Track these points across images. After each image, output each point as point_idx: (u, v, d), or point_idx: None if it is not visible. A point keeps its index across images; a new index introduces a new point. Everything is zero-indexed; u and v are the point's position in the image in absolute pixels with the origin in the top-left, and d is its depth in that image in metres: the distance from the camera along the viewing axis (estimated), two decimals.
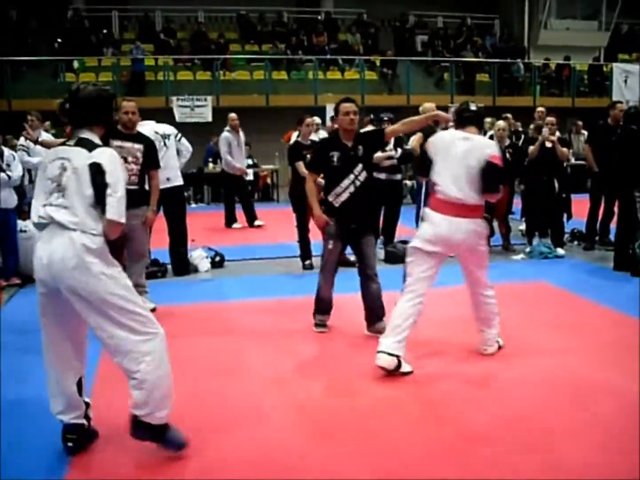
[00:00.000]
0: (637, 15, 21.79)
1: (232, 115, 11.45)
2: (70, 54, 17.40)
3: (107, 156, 3.35)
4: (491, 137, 11.72)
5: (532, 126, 9.60)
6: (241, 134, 11.42)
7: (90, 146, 3.36)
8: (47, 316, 3.41)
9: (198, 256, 8.00)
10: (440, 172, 4.68)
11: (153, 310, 5.96)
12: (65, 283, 3.25)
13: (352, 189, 5.35)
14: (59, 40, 18.23)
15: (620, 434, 3.68)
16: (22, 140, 9.49)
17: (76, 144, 3.38)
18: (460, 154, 4.62)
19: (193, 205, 14.87)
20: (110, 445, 3.64)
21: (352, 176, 5.33)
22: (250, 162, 15.86)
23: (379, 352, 4.55)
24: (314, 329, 5.68)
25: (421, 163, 4.92)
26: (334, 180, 5.41)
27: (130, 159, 5.94)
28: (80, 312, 3.33)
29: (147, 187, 6.24)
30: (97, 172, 3.27)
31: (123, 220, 3.33)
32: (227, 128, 11.34)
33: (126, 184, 5.45)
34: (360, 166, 5.36)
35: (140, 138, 6.17)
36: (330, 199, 5.43)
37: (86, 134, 3.43)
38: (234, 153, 11.21)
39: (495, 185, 4.74)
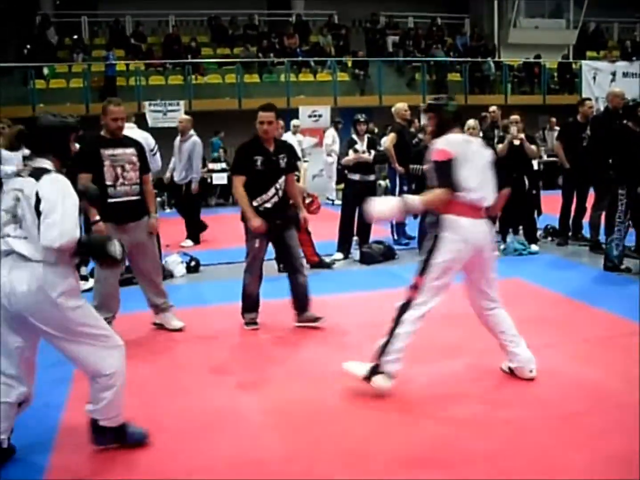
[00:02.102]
0: (603, 14, 22.07)
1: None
2: (39, 60, 17.24)
3: (47, 182, 3.28)
4: None
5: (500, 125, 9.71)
6: (191, 140, 9.83)
7: (38, 174, 3.31)
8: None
9: (173, 261, 7.98)
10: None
11: (181, 329, 5.84)
12: (29, 313, 3.27)
13: (275, 199, 5.60)
14: (28, 46, 18.04)
15: (600, 430, 3.72)
16: None
17: (29, 174, 3.35)
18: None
19: (167, 210, 14.79)
20: (89, 446, 3.62)
21: (277, 186, 5.58)
22: (224, 165, 15.86)
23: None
24: (245, 327, 5.78)
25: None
26: (259, 185, 5.55)
27: (128, 166, 5.48)
28: (43, 336, 3.41)
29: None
30: (38, 201, 3.24)
31: (59, 242, 3.18)
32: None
33: (128, 195, 5.47)
34: (283, 178, 5.62)
35: (129, 142, 5.67)
36: (255, 203, 5.55)
37: (40, 162, 3.40)
38: (175, 160, 9.98)
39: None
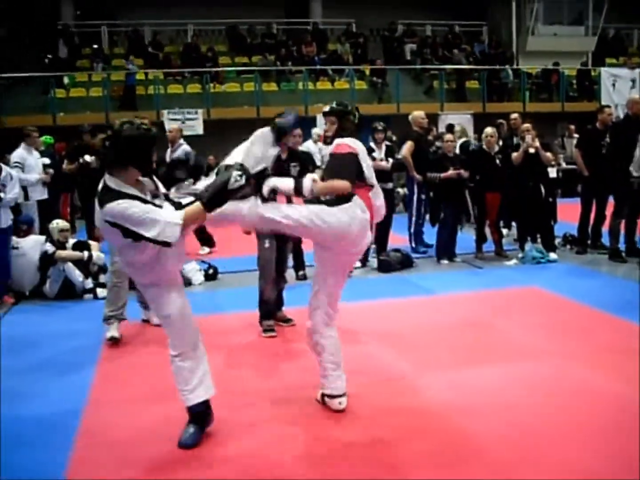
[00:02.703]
0: (623, 20, 21.94)
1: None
2: (60, 69, 17.43)
3: (109, 213, 3.35)
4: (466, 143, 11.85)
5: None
6: (181, 149, 9.35)
7: (105, 199, 3.37)
8: None
9: (191, 269, 8.00)
10: None
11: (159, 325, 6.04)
12: None
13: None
14: (49, 56, 18.25)
15: (617, 438, 3.68)
16: (16, 156, 9.50)
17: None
18: None
19: None
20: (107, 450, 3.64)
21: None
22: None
23: None
24: (263, 335, 5.79)
25: None
26: None
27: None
28: None
29: None
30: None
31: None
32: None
33: None
34: None
35: None
36: None
37: (112, 180, 3.42)
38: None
39: None
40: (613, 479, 3.27)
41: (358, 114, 4.40)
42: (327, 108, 4.45)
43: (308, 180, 3.93)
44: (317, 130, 13.97)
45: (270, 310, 5.93)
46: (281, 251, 6.00)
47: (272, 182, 3.90)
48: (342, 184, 3.91)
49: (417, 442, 3.75)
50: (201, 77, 17.86)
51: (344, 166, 4.02)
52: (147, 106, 17.13)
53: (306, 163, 5.95)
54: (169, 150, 9.36)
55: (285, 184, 3.98)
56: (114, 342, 5.73)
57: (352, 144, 4.14)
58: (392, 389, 4.57)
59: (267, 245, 5.80)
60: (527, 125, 8.76)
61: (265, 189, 3.84)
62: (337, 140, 4.19)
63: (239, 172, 3.39)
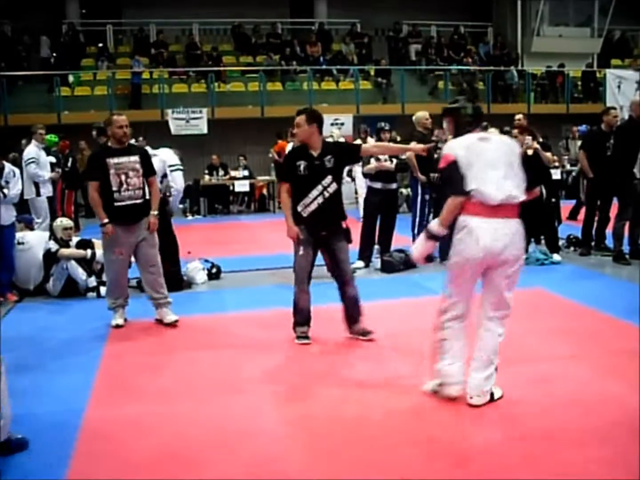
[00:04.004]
0: (628, 22, 21.90)
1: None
2: (65, 68, 17.45)
3: None
4: None
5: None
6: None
7: None
8: None
9: (194, 268, 7.99)
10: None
11: (175, 322, 6.16)
12: None
13: (320, 199, 5.38)
14: (54, 54, 18.29)
15: (622, 442, 3.67)
16: (31, 152, 9.52)
17: None
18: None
19: (189, 217, 14.88)
20: (109, 452, 3.64)
21: (320, 187, 5.37)
22: (246, 173, 15.93)
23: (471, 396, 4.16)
24: (296, 342, 5.59)
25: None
26: (301, 190, 5.42)
27: (131, 173, 6.01)
28: None
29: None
30: None
31: None
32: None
33: (132, 199, 5.92)
34: (329, 178, 5.39)
35: (133, 150, 6.21)
36: (298, 208, 5.42)
37: None
38: None
39: None
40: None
41: (473, 106, 4.38)
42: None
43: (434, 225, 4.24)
44: (332, 130, 14.00)
45: (306, 317, 5.62)
46: (339, 262, 5.55)
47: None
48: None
49: (419, 443, 3.74)
50: (206, 77, 17.87)
51: (449, 181, 4.09)
52: (152, 105, 17.18)
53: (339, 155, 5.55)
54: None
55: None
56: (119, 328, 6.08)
57: (452, 150, 4.13)
58: (395, 390, 4.56)
59: (301, 252, 5.49)
60: (514, 132, 8.75)
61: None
62: (444, 149, 4.28)
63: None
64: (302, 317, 5.62)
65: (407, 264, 8.44)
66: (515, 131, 8.74)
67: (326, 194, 5.39)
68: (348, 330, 5.65)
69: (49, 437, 3.85)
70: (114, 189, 5.95)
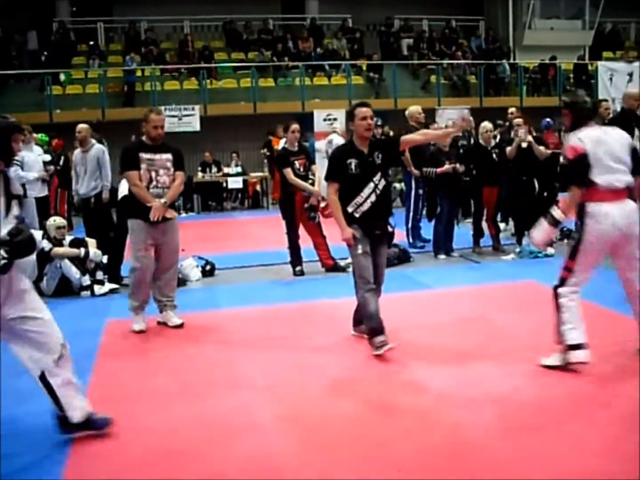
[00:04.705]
0: (619, 14, 21.91)
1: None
2: (56, 66, 17.39)
3: None
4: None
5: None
6: (95, 148, 8.87)
7: None
8: None
9: (188, 265, 7.99)
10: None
11: (180, 325, 6.05)
12: None
13: (373, 197, 5.13)
14: (45, 53, 18.21)
15: (619, 435, 3.68)
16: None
17: None
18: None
19: (183, 214, 14.86)
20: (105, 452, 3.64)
21: (372, 185, 5.12)
22: (239, 169, 15.92)
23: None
24: (376, 353, 5.01)
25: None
26: (353, 189, 5.12)
27: (161, 171, 5.90)
28: None
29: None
30: None
31: None
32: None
33: (159, 197, 5.75)
34: (379, 174, 5.18)
35: (167, 148, 6.05)
36: (349, 209, 5.14)
37: None
38: (78, 173, 8.94)
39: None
40: (613, 479, 3.27)
41: (592, 100, 4.68)
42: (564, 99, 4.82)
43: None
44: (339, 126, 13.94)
45: (380, 323, 5.06)
46: (377, 267, 5.25)
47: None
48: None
49: (414, 438, 3.75)
50: (198, 74, 17.83)
51: (575, 172, 4.50)
52: (144, 103, 17.09)
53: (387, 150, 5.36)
54: (78, 151, 9.14)
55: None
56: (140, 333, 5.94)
57: (581, 143, 4.46)
58: (391, 385, 4.57)
59: (360, 251, 5.09)
60: (518, 120, 8.77)
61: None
62: (570, 141, 4.55)
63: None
64: (375, 322, 5.07)
65: (401, 258, 8.46)
66: (520, 120, 8.74)
67: (377, 191, 5.15)
68: (354, 327, 5.57)
69: (44, 437, 3.84)
70: (143, 184, 5.84)
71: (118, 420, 3.98)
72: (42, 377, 3.64)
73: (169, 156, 5.95)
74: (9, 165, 3.63)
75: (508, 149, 8.64)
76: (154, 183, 5.86)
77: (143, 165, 5.83)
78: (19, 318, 3.58)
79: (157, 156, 5.89)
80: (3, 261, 3.34)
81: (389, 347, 5.00)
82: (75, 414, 3.73)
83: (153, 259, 5.98)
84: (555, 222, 4.68)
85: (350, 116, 5.28)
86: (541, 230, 4.77)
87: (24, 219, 8.76)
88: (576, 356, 4.48)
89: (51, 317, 3.74)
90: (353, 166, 5.12)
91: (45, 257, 7.30)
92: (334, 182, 5.20)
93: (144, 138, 5.96)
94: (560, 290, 4.57)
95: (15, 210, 3.54)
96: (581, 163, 4.44)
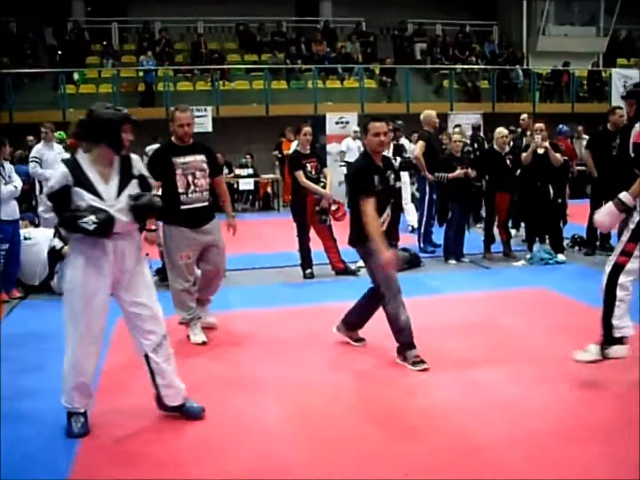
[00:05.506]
0: (635, 21, 21.82)
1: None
2: (70, 65, 17.48)
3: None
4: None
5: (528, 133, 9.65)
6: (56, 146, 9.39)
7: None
8: None
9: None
10: None
11: (212, 326, 5.99)
12: None
13: (389, 219, 5.09)
14: (59, 52, 18.30)
15: (624, 439, 3.67)
16: (34, 151, 9.54)
17: None
18: None
19: None
20: (115, 447, 3.64)
21: (390, 204, 5.07)
22: (250, 171, 15.94)
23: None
24: (414, 368, 4.85)
25: None
26: (377, 208, 4.86)
27: (198, 173, 5.55)
28: None
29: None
30: None
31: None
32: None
33: (200, 202, 5.57)
34: (393, 197, 5.17)
35: (199, 148, 5.71)
36: None
37: (80, 155, 3.84)
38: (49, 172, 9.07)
39: None
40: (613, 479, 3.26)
41: None
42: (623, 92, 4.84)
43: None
44: (356, 128, 13.99)
45: (411, 338, 4.92)
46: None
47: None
48: None
49: (421, 441, 3.74)
50: (210, 75, 17.87)
51: None
52: (157, 103, 17.17)
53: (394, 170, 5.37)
54: (40, 145, 9.23)
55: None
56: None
57: None
58: (398, 388, 4.56)
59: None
60: (539, 125, 8.72)
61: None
62: (638, 127, 4.53)
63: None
64: (409, 336, 4.92)
65: (412, 263, 8.44)
66: (542, 125, 8.68)
67: (390, 210, 5.09)
68: (343, 328, 5.49)
69: (52, 436, 3.86)
70: (181, 190, 5.46)
71: (124, 418, 3.99)
72: (146, 357, 3.99)
73: (202, 157, 5.62)
74: (119, 153, 3.83)
75: (524, 154, 8.62)
76: (192, 187, 5.50)
77: (178, 171, 5.46)
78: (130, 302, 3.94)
79: (191, 158, 5.55)
80: (95, 223, 3.62)
81: (427, 366, 4.83)
82: (171, 398, 4.05)
83: (193, 264, 5.71)
84: (624, 208, 4.48)
85: (364, 130, 5.13)
86: (608, 214, 4.53)
87: (33, 217, 8.83)
88: (616, 351, 4.39)
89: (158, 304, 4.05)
90: (377, 183, 4.91)
91: (56, 255, 7.33)
92: (371, 196, 4.82)
93: (173, 139, 5.62)
94: (620, 280, 4.34)
95: (132, 188, 3.84)
96: None
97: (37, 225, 8.51)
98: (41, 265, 7.50)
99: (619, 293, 4.35)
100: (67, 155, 10.56)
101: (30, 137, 11.72)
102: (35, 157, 9.28)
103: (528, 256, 8.64)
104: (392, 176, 5.14)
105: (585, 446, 3.63)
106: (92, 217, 3.63)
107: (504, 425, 3.93)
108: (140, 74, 17.77)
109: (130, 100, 17.27)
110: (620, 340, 4.39)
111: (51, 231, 7.79)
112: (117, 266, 3.84)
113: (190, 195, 5.52)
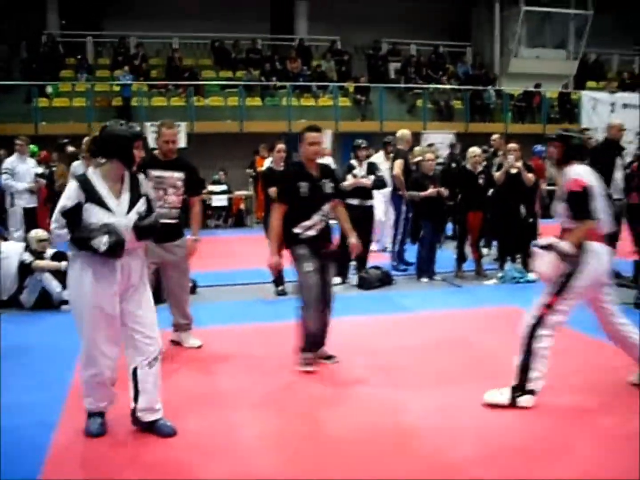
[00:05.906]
0: (603, 45, 22.25)
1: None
2: (44, 78, 17.35)
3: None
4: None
5: (500, 153, 9.76)
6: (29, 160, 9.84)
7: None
8: None
9: None
10: None
11: (198, 347, 5.97)
12: None
13: (321, 225, 5.23)
14: (34, 65, 18.16)
15: (598, 458, 3.70)
16: (7, 163, 9.47)
17: None
18: None
19: None
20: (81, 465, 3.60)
21: (321, 212, 5.21)
22: (224, 187, 15.90)
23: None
24: (299, 368, 5.20)
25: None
26: (301, 212, 5.17)
27: (170, 190, 5.61)
28: None
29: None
30: None
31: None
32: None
33: (166, 218, 5.45)
34: (328, 204, 5.29)
35: (181, 164, 5.79)
36: (297, 230, 5.18)
37: (92, 170, 3.97)
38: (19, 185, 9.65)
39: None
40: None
41: (579, 137, 4.71)
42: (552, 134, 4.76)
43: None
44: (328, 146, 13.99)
45: (316, 342, 5.27)
46: (326, 285, 5.28)
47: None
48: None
49: (395, 463, 3.73)
50: (185, 91, 17.85)
51: (582, 205, 4.35)
52: (132, 118, 17.08)
53: (335, 179, 5.49)
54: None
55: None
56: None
57: (583, 176, 4.42)
58: (370, 406, 4.55)
59: (308, 268, 5.10)
60: (513, 145, 8.84)
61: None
62: (571, 174, 4.45)
63: (106, 242, 3.75)
64: (311, 343, 5.24)
65: (383, 280, 8.47)
66: (514, 145, 8.80)
67: (324, 220, 5.25)
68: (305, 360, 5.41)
69: (19, 452, 3.80)
70: None
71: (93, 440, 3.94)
72: (134, 373, 3.99)
73: (180, 174, 5.67)
74: (130, 169, 3.97)
75: (496, 174, 8.73)
76: (161, 203, 5.45)
77: (151, 183, 5.32)
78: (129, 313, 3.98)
79: (168, 174, 5.61)
80: (107, 245, 3.69)
81: (312, 368, 5.16)
82: (147, 415, 4.04)
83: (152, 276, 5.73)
84: (566, 256, 4.33)
85: (299, 139, 5.31)
86: (550, 264, 4.41)
87: (2, 231, 8.73)
88: (526, 401, 4.37)
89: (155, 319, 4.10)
90: (303, 189, 5.16)
91: (26, 269, 7.25)
92: (282, 204, 5.23)
93: (156, 152, 5.76)
94: (539, 332, 4.41)
95: (140, 206, 3.96)
96: (591, 195, 4.34)
97: (6, 239, 8.41)
98: (10, 280, 7.40)
99: (537, 345, 4.39)
100: (40, 170, 10.52)
101: (1, 151, 11.62)
102: (8, 169, 9.22)
103: (500, 275, 8.71)
104: (329, 185, 5.29)
105: (558, 466, 3.65)
106: (105, 238, 3.69)
107: (476, 444, 3.94)
108: (115, 88, 17.71)
109: (104, 115, 17.16)
110: (532, 392, 4.38)
111: (21, 245, 7.71)
112: (123, 282, 3.93)
113: (158, 210, 5.43)
